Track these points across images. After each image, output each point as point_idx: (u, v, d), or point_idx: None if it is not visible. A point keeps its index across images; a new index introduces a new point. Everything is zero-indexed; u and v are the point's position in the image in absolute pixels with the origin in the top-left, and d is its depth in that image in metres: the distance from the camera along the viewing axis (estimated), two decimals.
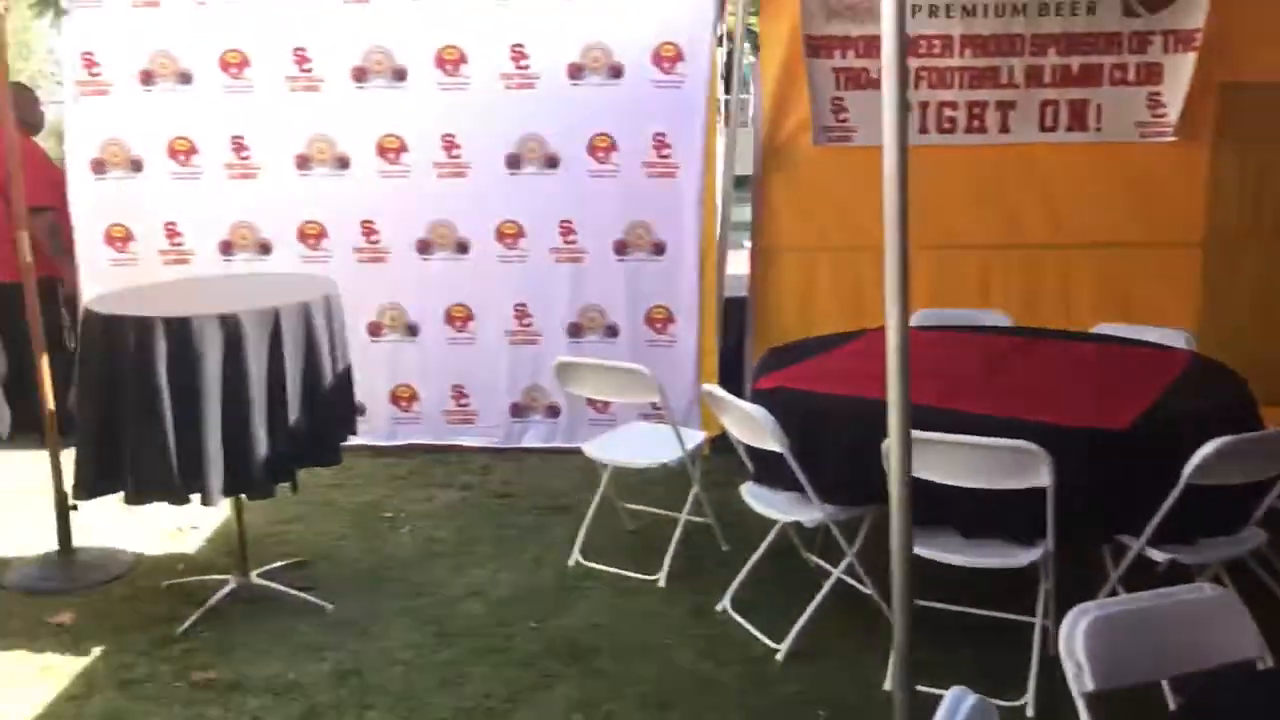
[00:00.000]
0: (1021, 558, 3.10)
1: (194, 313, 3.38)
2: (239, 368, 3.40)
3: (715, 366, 5.27)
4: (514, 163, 5.17)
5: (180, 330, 3.34)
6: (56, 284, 5.42)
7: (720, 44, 5.09)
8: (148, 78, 5.20)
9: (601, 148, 5.14)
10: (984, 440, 3.01)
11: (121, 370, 3.37)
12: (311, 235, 5.31)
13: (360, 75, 5.14)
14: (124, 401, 3.38)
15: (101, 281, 5.23)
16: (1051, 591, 3.18)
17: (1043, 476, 2.96)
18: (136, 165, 5.27)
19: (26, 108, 5.31)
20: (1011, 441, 2.98)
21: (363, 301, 5.23)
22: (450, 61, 5.10)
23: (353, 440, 4.02)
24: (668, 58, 5.04)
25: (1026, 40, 5.01)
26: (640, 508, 4.45)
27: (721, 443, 4.18)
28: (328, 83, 5.17)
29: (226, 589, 3.86)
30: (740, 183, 5.37)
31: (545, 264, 5.26)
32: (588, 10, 5.04)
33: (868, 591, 3.48)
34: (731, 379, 5.15)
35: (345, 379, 3.82)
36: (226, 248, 5.35)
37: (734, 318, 5.40)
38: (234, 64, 5.17)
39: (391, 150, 5.21)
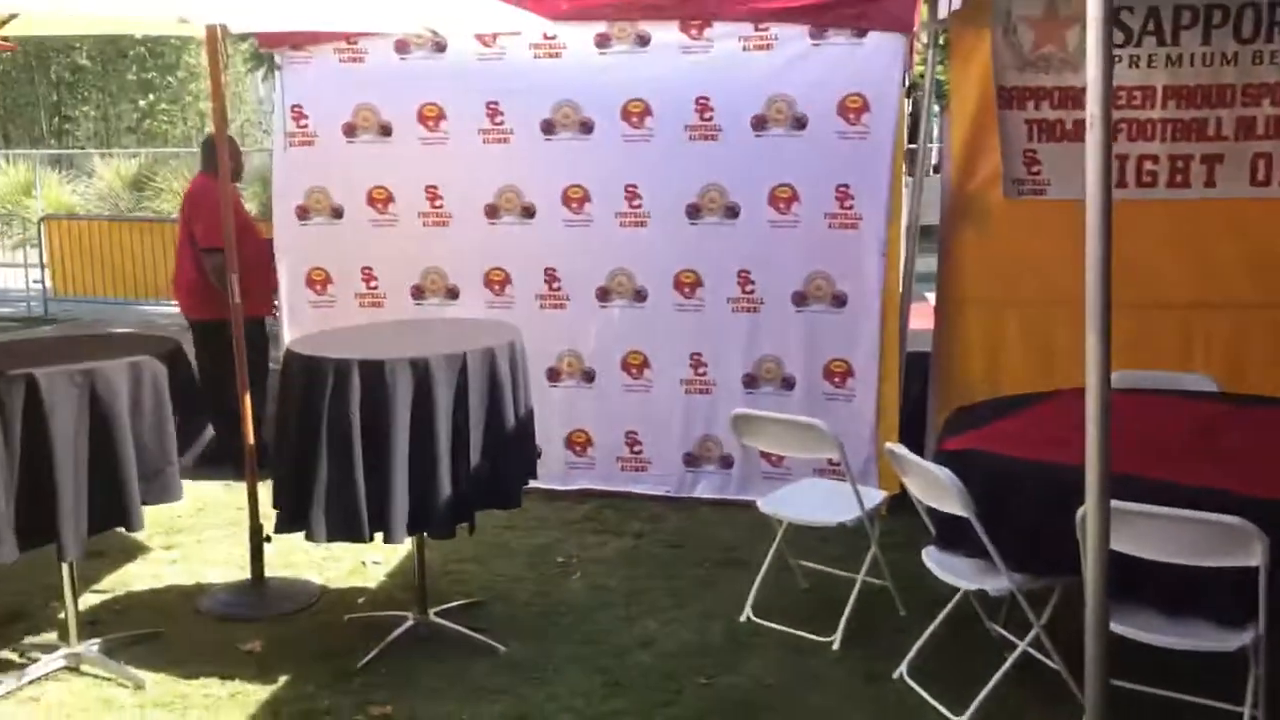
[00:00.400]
0: (1230, 641, 2.91)
1: (387, 356, 3.56)
2: (427, 410, 3.54)
3: (895, 423, 5.16)
4: (694, 212, 5.24)
5: (374, 373, 3.51)
6: (261, 324, 5.81)
7: (907, 94, 5.05)
8: (351, 130, 5.53)
9: (783, 198, 5.15)
10: (1192, 514, 2.84)
11: (318, 409, 3.55)
12: (496, 281, 5.50)
13: (548, 128, 5.32)
14: (319, 440, 3.55)
15: (301, 322, 5.61)
16: (1262, 679, 2.97)
17: (1255, 555, 2.77)
18: (338, 212, 5.61)
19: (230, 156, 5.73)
20: (1223, 517, 2.80)
21: (543, 347, 5.34)
22: (636, 114, 5.22)
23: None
24: (853, 109, 5.02)
25: (1238, 91, 4.78)
26: (815, 566, 4.38)
27: (900, 502, 4.08)
28: (517, 135, 5.37)
29: (405, 626, 4.00)
30: (925, 234, 5.30)
31: (722, 314, 5.29)
32: (773, 63, 5.07)
33: (1055, 667, 3.32)
34: (912, 436, 5.05)
35: (527, 424, 3.92)
36: (418, 292, 5.61)
37: (916, 373, 5.29)
38: (431, 117, 5.43)
39: (575, 200, 5.36)
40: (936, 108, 5.62)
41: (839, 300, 5.17)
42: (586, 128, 5.28)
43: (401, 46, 5.42)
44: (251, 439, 4.37)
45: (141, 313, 11.13)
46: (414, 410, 3.53)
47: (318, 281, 5.69)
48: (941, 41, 5.35)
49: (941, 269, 5.18)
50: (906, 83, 5.03)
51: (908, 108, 5.16)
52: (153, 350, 3.84)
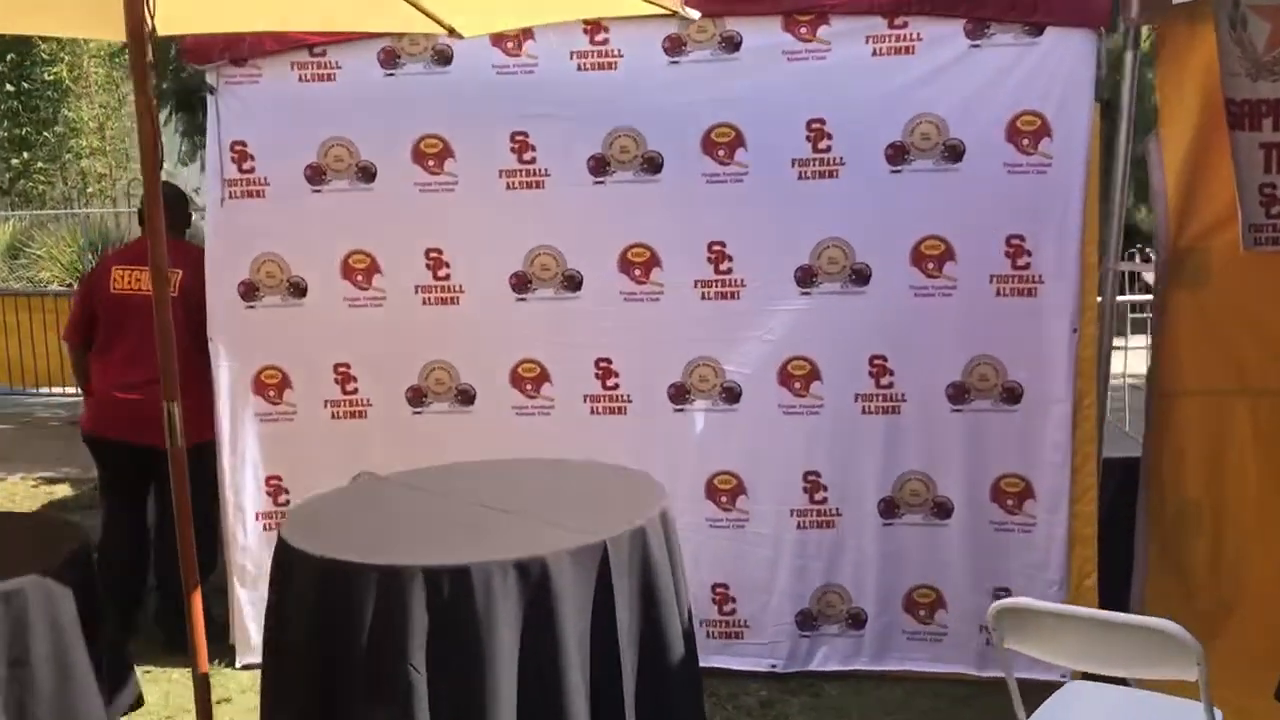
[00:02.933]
0: None
1: (473, 557, 2.29)
2: (546, 634, 2.28)
3: (1093, 557, 4.06)
4: (807, 278, 4.04)
5: (451, 587, 2.22)
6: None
7: (1102, 113, 3.98)
8: (317, 174, 4.20)
9: (931, 256, 4.00)
10: None
11: (350, 634, 2.28)
12: (528, 379, 4.22)
13: (600, 167, 4.09)
14: (352, 675, 2.27)
15: (245, 445, 4.27)
16: None
17: None
18: (298, 289, 4.26)
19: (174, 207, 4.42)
20: None
21: None
22: (722, 145, 4.04)
23: None
24: (1028, 132, 3.91)
25: None
26: None
27: None
28: (555, 177, 4.11)
29: None
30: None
31: (848, 416, 4.08)
32: (915, 72, 3.92)
33: None
34: (1115, 577, 3.95)
35: (691, 642, 2.71)
36: (416, 396, 4.28)
37: (1115, 484, 4.21)
38: (431, 155, 4.15)
39: (638, 264, 4.13)
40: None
41: (1011, 394, 4.01)
42: (653, 165, 4.06)
43: (388, 57, 4.13)
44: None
45: (20, 403, 9.80)
46: (524, 635, 2.27)
47: (270, 385, 4.31)
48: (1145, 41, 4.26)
49: (1154, 348, 4.06)
50: (1099, 96, 3.98)
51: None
52: (45, 558, 2.53)
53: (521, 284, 4.17)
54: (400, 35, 4.10)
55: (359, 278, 4.24)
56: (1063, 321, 3.93)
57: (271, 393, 4.32)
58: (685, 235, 4.10)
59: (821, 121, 3.98)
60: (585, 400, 4.22)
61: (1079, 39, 3.85)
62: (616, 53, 4.05)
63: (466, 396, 4.27)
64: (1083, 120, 3.87)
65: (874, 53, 3.94)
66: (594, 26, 4.03)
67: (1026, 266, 3.96)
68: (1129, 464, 4.26)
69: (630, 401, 4.21)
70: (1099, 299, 3.98)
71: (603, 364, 4.20)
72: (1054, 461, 4.01)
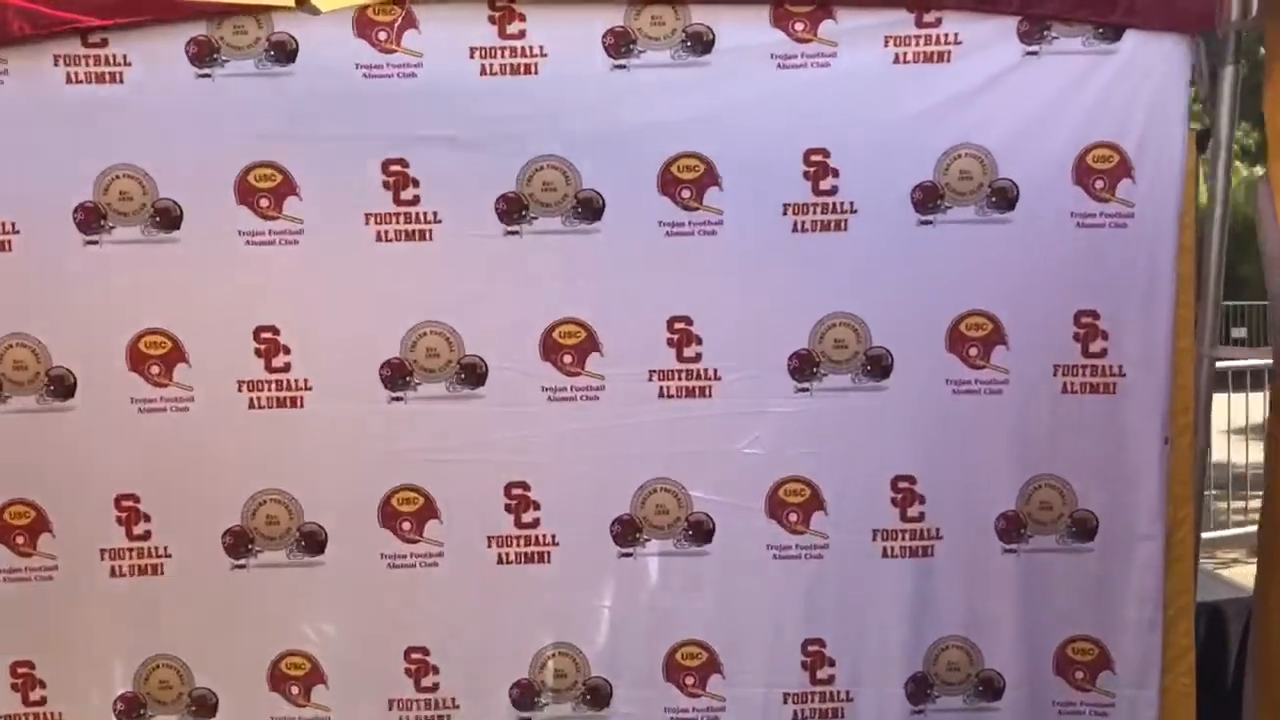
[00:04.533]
0: None
1: None
2: None
3: None
4: (805, 369, 2.98)
5: None
6: None
7: (1199, 145, 3.10)
8: (93, 219, 2.92)
9: (975, 339, 3.00)
10: None
11: None
12: (408, 514, 3.00)
13: (514, 211, 2.94)
14: None
15: None
16: None
17: None
18: (62, 386, 2.93)
19: None
20: None
21: (507, 643, 3.06)
22: (686, 183, 2.95)
23: None
24: (1102, 171, 2.96)
25: None
26: None
27: None
28: (448, 225, 2.95)
29: None
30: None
31: (859, 557, 3.03)
32: (952, 88, 2.91)
33: None
34: None
35: None
36: (238, 544, 2.99)
37: (1200, 638, 3.28)
38: (265, 190, 2.93)
39: (569, 349, 2.98)
40: (1247, 171, 3.66)
41: (1083, 528, 3.01)
42: (590, 209, 2.95)
43: (202, 51, 2.89)
44: None
45: None
46: None
47: (17, 529, 2.96)
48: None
49: (1270, 462, 3.20)
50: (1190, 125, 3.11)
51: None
52: None
53: (398, 377, 2.99)
54: (220, 17, 2.95)
55: (154, 369, 2.96)
56: (1151, 428, 2.98)
57: (19, 538, 2.99)
58: (635, 308, 3.00)
59: (824, 154, 2.94)
60: (490, 544, 3.04)
61: (1169, 47, 2.91)
62: (537, 50, 2.92)
63: (314, 542, 3.05)
64: (1175, 155, 2.93)
65: (896, 59, 2.92)
66: (505, 12, 2.91)
67: (1102, 354, 3.00)
68: (1215, 610, 3.41)
69: (556, 545, 3.06)
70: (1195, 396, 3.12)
71: (516, 491, 3.04)
72: (1139, 619, 3.04)
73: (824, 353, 3.01)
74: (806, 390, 3.02)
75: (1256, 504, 8.00)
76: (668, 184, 2.96)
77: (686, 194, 2.97)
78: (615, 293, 3.00)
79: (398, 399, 3.02)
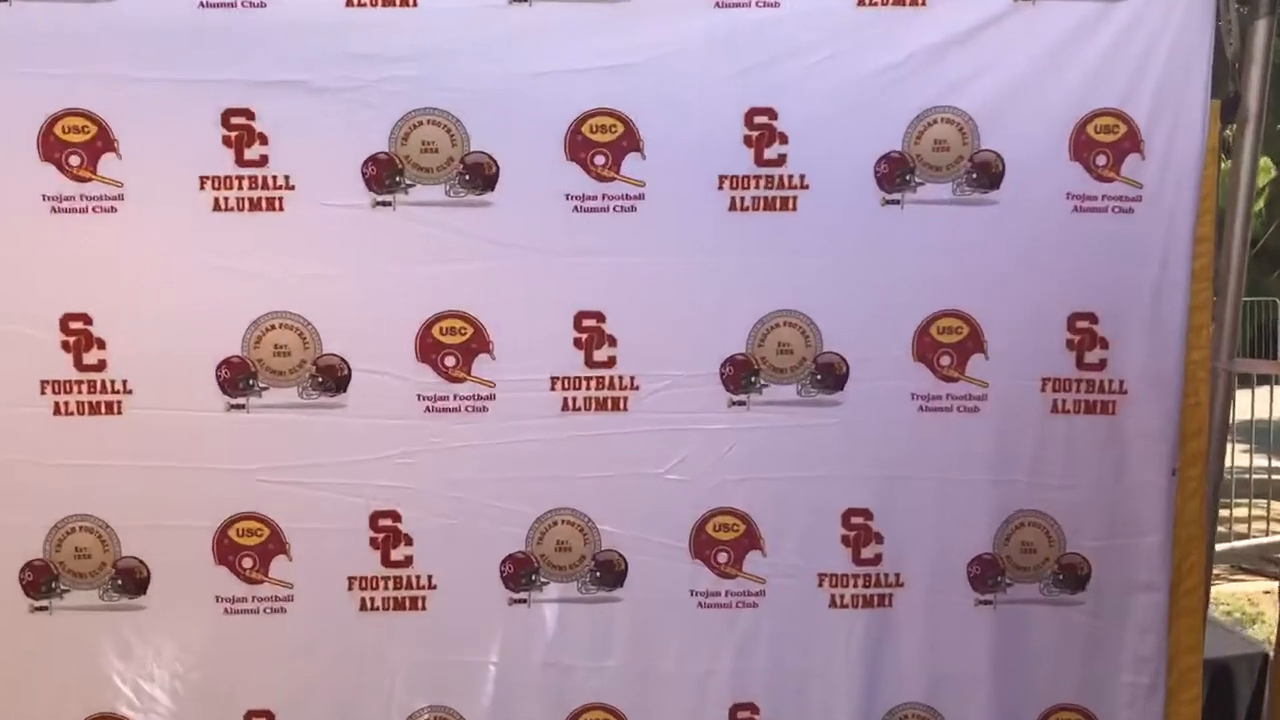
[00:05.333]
0: None
1: None
2: None
3: None
4: (741, 377, 2.47)
5: None
6: None
7: (1222, 117, 2.62)
8: None
9: (948, 345, 2.49)
10: None
11: None
12: (250, 548, 2.45)
13: (385, 176, 2.38)
14: None
15: None
16: None
17: None
18: None
19: None
20: None
21: None
22: (601, 147, 2.37)
23: None
24: (1106, 145, 2.44)
25: None
26: None
27: None
28: (303, 192, 2.39)
29: None
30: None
31: (805, 610, 2.51)
32: (923, 39, 2.39)
33: None
34: None
35: None
36: (41, 580, 2.43)
37: (1220, 701, 2.85)
38: (76, 146, 2.34)
39: (452, 349, 2.46)
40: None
41: (1072, 575, 2.54)
42: (480, 176, 2.40)
43: None
44: None
45: None
46: None
47: None
48: None
49: None
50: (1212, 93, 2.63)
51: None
52: None
53: (239, 379, 2.44)
54: None
55: None
56: (1157, 456, 2.50)
57: None
58: (534, 300, 2.46)
59: (770, 114, 2.41)
60: (352, 586, 2.51)
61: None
62: None
63: (134, 580, 2.50)
64: (1194, 127, 2.43)
65: (860, 1, 2.47)
66: None
67: (1100, 365, 2.51)
68: (1221, 668, 2.96)
69: (432, 588, 2.52)
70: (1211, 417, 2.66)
71: (384, 522, 2.51)
72: (1136, 685, 2.56)
73: (765, 359, 2.49)
74: (743, 404, 2.51)
75: (1260, 511, 7.64)
76: (577, 147, 2.42)
77: (600, 160, 2.44)
78: (510, 280, 2.46)
79: (238, 406, 2.46)
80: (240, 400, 2.47)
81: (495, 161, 2.42)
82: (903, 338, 2.50)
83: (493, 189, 2.43)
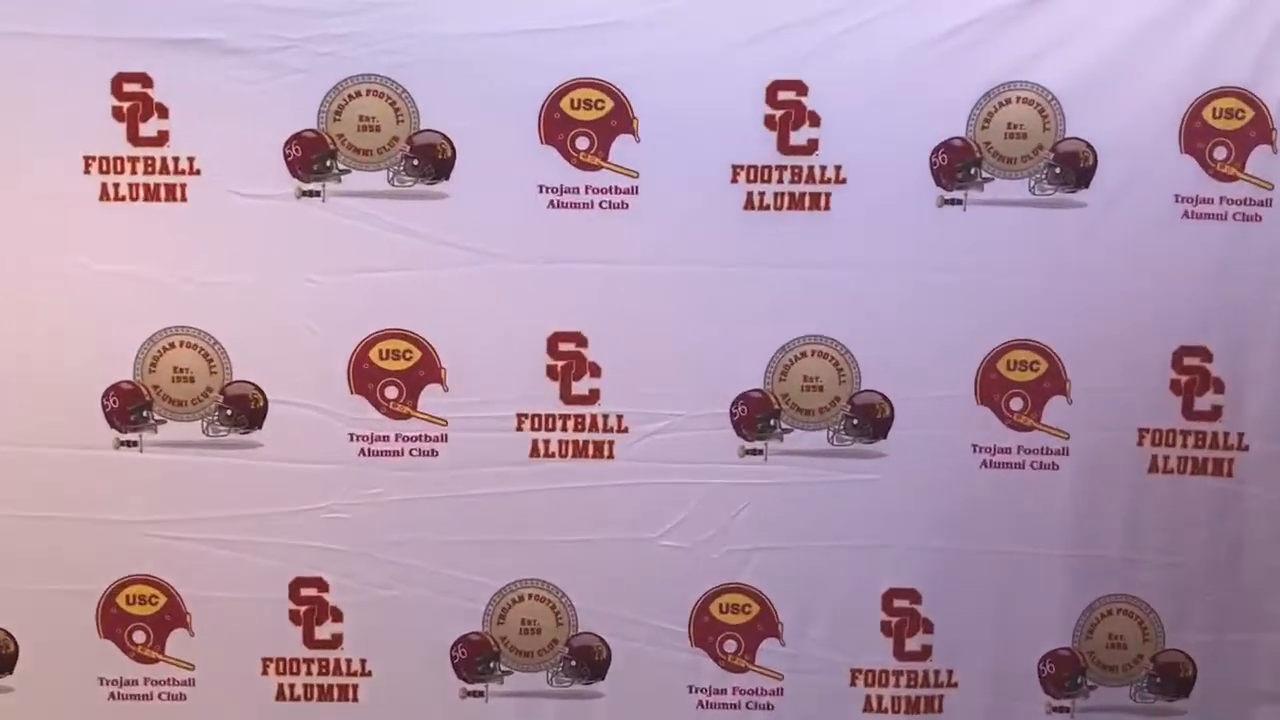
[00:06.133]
0: None
1: None
2: None
3: None
4: (758, 419, 1.97)
5: None
6: None
7: None
8: None
9: (1019, 384, 1.99)
10: None
11: None
12: (141, 621, 2.03)
13: (313, 160, 1.96)
14: None
15: None
16: None
17: None
18: None
19: None
20: None
21: None
22: (584, 126, 1.88)
23: None
24: (1226, 133, 1.91)
25: None
26: None
27: None
28: (210, 179, 1.92)
29: None
30: None
31: (832, 709, 2.01)
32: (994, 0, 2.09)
33: None
34: None
35: None
36: None
37: None
38: None
39: (394, 377, 1.96)
40: None
41: (1173, 680, 2.04)
42: (430, 162, 1.92)
43: None
44: None
45: None
46: None
47: None
48: None
49: None
50: None
51: None
52: None
53: (129, 410, 1.98)
54: None
55: None
56: None
57: None
58: (498, 318, 1.99)
59: (799, 88, 1.93)
60: (268, 669, 2.02)
61: None
62: None
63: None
64: None
65: None
66: None
67: (1214, 414, 1.99)
68: None
69: (367, 674, 2.03)
70: None
71: (308, 591, 2.02)
72: None
73: (787, 396, 2.02)
74: (758, 453, 2.03)
75: None
76: (554, 127, 1.94)
77: (583, 144, 1.96)
78: (468, 292, 1.97)
79: (129, 443, 2.00)
80: (131, 436, 2.00)
81: (450, 143, 1.94)
82: (963, 374, 2.00)
83: (447, 177, 1.95)
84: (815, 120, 1.95)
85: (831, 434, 2.02)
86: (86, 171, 1.94)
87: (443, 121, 1.94)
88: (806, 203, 1.97)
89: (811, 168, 1.96)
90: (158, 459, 1.99)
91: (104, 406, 1.98)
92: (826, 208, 1.96)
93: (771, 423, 2.01)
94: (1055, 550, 2.04)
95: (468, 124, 1.94)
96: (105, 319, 1.97)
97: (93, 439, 1.99)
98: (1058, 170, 1.97)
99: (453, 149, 1.95)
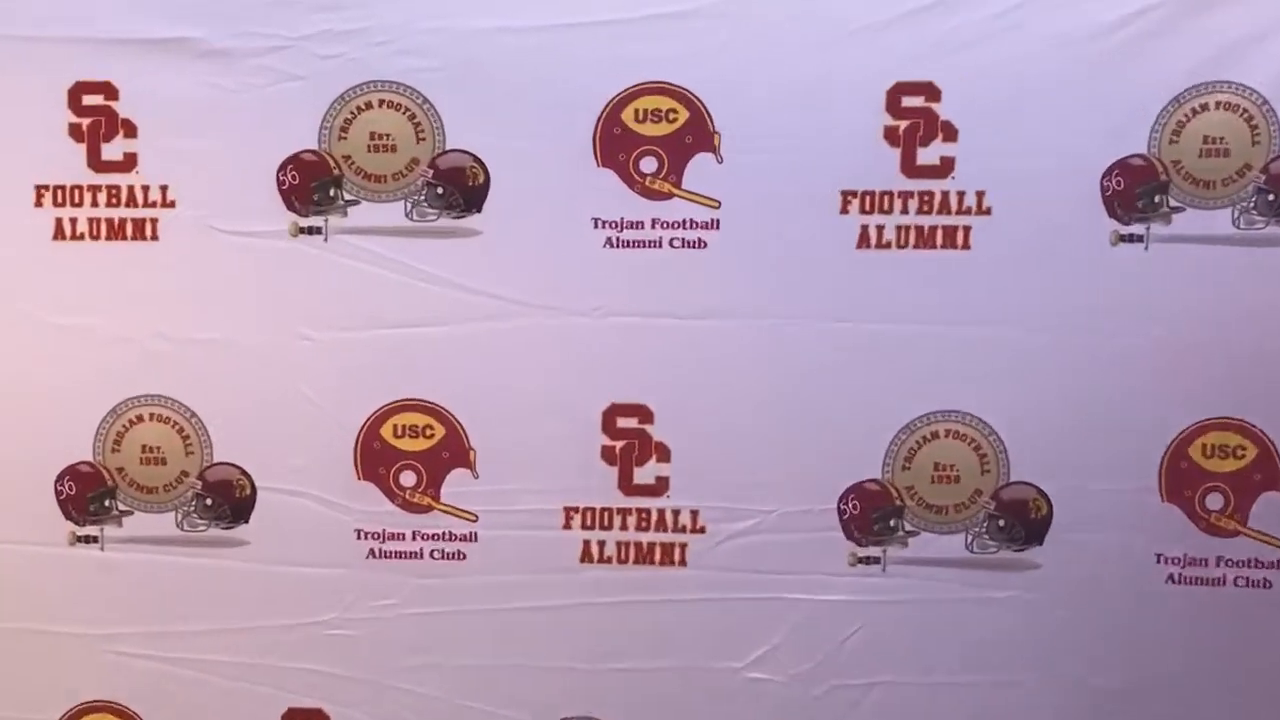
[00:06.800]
0: None
1: None
2: None
3: None
4: (871, 520, 1.52)
5: None
6: None
7: None
8: None
9: (1220, 475, 1.52)
10: None
11: None
12: None
13: (311, 188, 1.59)
14: None
15: None
16: None
17: None
18: None
19: None
20: None
21: None
22: (649, 143, 1.51)
23: None
24: None
25: None
26: None
27: None
28: (185, 213, 1.56)
29: None
30: None
31: None
32: None
33: None
34: None
35: None
36: None
37: None
38: None
39: (412, 459, 1.57)
40: None
41: None
42: (460, 190, 1.52)
43: None
44: None
45: None
46: None
47: None
48: None
49: None
50: None
51: None
52: None
53: (88, 498, 1.58)
54: None
55: None
56: None
57: None
58: (544, 387, 1.59)
59: (929, 92, 1.51)
60: None
61: None
62: None
63: None
64: None
65: None
66: None
67: None
68: None
69: None
70: None
71: None
72: None
73: (913, 490, 1.57)
74: (875, 561, 1.59)
75: None
76: (614, 145, 1.54)
77: (650, 166, 1.56)
78: (504, 353, 1.58)
79: (88, 539, 1.63)
80: (91, 530, 1.64)
81: (483, 166, 1.55)
82: (1144, 461, 1.54)
83: (479, 209, 1.56)
84: (950, 133, 1.53)
85: (971, 538, 1.58)
86: (38, 204, 1.59)
87: (474, 139, 1.55)
88: (939, 239, 1.55)
89: (945, 194, 1.54)
90: (122, 559, 1.63)
91: (57, 493, 1.62)
92: (965, 245, 1.54)
93: (892, 523, 1.58)
94: (1269, 686, 1.61)
95: (504, 142, 1.55)
96: (59, 385, 1.61)
97: (43, 533, 1.63)
98: (1270, 197, 1.54)
99: (486, 174, 1.56)
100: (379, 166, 1.56)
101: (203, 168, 1.57)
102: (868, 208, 1.53)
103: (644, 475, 1.58)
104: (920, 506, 1.57)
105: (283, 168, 1.56)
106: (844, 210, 1.54)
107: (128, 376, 1.60)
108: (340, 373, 1.59)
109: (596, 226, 1.56)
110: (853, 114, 1.52)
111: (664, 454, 1.58)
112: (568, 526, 1.60)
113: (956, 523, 1.58)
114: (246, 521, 1.62)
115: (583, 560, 1.60)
